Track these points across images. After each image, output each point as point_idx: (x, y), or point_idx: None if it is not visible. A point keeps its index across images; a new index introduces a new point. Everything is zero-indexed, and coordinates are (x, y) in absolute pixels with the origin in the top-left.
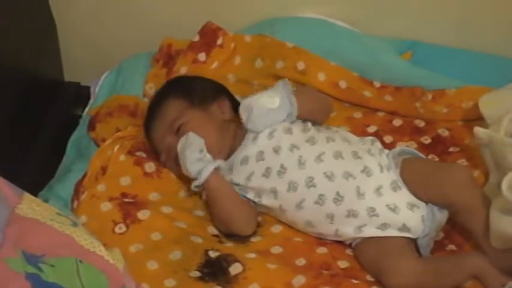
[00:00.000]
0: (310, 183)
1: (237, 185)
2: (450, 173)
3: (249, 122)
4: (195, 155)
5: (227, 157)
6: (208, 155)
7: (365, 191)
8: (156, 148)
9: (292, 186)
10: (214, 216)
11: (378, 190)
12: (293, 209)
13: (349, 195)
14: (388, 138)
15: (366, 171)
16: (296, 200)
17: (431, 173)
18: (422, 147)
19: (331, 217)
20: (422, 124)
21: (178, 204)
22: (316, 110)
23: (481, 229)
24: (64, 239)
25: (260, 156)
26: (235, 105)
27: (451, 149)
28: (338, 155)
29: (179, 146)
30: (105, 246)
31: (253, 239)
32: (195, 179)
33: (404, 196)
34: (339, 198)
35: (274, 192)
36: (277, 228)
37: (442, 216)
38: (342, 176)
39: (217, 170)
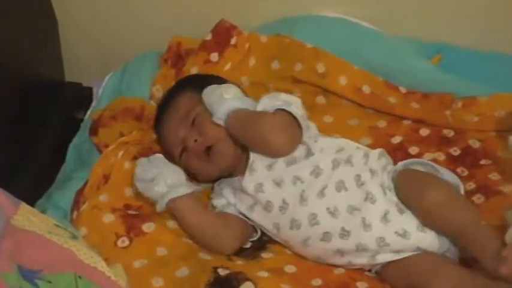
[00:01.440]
0: (314, 220)
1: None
2: (422, 202)
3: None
4: (141, 185)
5: (241, 153)
6: (169, 180)
7: (371, 222)
8: (168, 144)
9: (295, 224)
10: (188, 236)
11: (385, 217)
12: (300, 245)
13: (355, 229)
14: (413, 150)
15: (369, 198)
16: (301, 238)
17: (412, 200)
18: (451, 159)
19: (340, 253)
20: (451, 134)
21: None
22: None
23: (477, 249)
24: (62, 253)
25: (259, 188)
26: None
27: (482, 162)
28: (341, 186)
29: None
30: (107, 261)
31: (264, 256)
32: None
33: (412, 217)
34: (345, 234)
35: (277, 228)
36: None
37: None
38: (346, 210)
39: (174, 200)
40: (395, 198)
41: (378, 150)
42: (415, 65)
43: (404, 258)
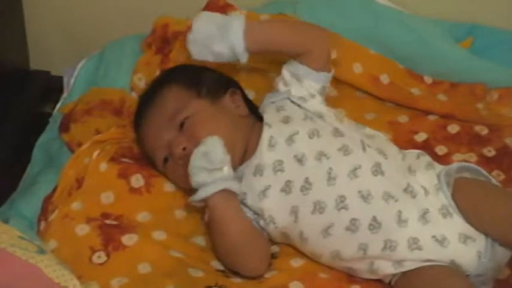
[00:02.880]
0: (341, 204)
1: (247, 206)
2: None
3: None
4: (203, 162)
5: (239, 162)
6: (226, 170)
7: (408, 217)
8: (149, 150)
9: (318, 207)
10: (218, 246)
11: (424, 216)
12: (317, 236)
13: (388, 221)
14: (441, 149)
15: (409, 190)
16: (322, 225)
17: (488, 206)
18: (485, 160)
19: (364, 249)
20: (484, 131)
21: (173, 228)
22: (285, 44)
23: None
24: (28, 270)
25: (279, 166)
26: (248, 104)
27: None
28: (377, 171)
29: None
30: (80, 279)
31: (267, 274)
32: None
33: (456, 225)
34: (375, 225)
35: (295, 212)
36: (297, 262)
37: (505, 253)
38: (381, 196)
39: (228, 191)
40: (441, 201)
41: (417, 151)
42: (442, 49)
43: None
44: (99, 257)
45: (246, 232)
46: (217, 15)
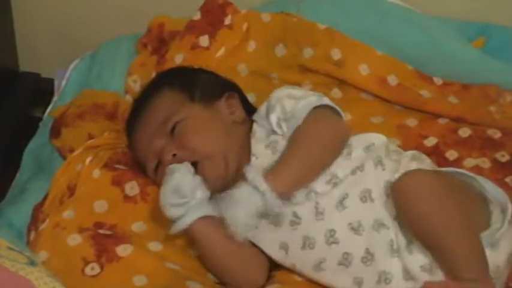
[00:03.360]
0: (332, 238)
1: None
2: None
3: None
4: (174, 199)
5: (233, 181)
6: (200, 195)
7: (400, 246)
8: (140, 156)
9: (308, 243)
10: (208, 266)
11: (408, 246)
12: (310, 270)
13: (380, 252)
14: (451, 154)
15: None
16: (314, 261)
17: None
18: (498, 166)
19: (359, 283)
20: (497, 135)
21: (169, 239)
22: (314, 172)
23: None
24: (18, 283)
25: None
26: (247, 107)
27: None
28: (366, 196)
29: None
30: None
31: (268, 287)
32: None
33: None
34: (368, 257)
35: (284, 248)
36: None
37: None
38: (371, 226)
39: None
40: None
41: (410, 153)
42: (453, 49)
43: None
44: (93, 269)
45: (232, 250)
46: (252, 202)
